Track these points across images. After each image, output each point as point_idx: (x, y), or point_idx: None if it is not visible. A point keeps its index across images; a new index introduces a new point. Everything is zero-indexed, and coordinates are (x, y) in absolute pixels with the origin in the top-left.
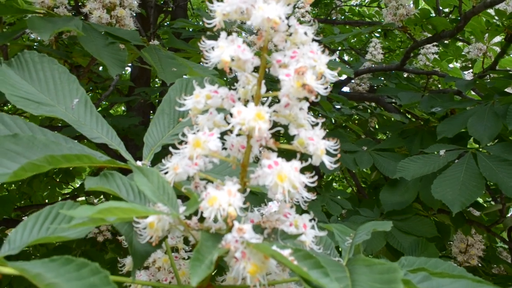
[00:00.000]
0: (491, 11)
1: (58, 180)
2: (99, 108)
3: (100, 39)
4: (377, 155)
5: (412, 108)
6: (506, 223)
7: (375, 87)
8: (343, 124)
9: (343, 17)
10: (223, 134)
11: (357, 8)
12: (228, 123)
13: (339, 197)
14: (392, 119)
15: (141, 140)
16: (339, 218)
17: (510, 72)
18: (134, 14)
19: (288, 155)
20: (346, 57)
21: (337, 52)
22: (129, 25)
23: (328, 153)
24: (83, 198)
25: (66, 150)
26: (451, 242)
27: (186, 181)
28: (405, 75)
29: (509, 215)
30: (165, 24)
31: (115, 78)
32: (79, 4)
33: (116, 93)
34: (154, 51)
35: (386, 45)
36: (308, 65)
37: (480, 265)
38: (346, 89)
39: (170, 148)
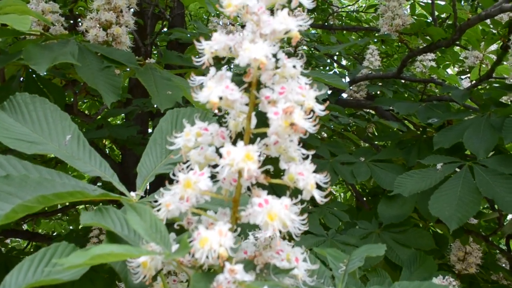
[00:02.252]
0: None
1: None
2: (99, 117)
3: (96, 63)
4: (375, 166)
5: (410, 115)
6: (504, 231)
7: (373, 94)
8: (341, 130)
9: (340, 22)
10: (215, 165)
11: (354, 13)
12: (220, 155)
13: (335, 208)
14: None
15: (140, 150)
16: (336, 232)
17: (506, 81)
18: (130, 29)
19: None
20: (344, 62)
21: (335, 57)
22: (126, 43)
23: (318, 187)
24: (82, 206)
25: (59, 186)
26: (449, 250)
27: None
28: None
29: (506, 222)
30: (163, 31)
31: None
32: (77, 19)
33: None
34: (149, 72)
35: (383, 50)
36: (296, 101)
37: (478, 271)
38: (344, 94)
39: (167, 183)
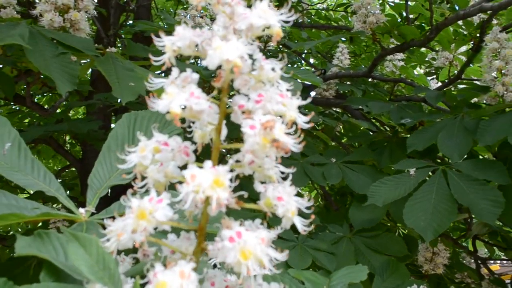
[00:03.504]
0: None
1: (12, 185)
2: (58, 110)
3: (50, 49)
4: (346, 168)
5: (380, 115)
6: (471, 232)
7: (342, 93)
8: (313, 130)
9: (309, 21)
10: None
11: (323, 11)
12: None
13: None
14: (361, 128)
15: (101, 146)
16: (307, 236)
17: (476, 83)
18: (91, 16)
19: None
20: (312, 60)
21: (303, 55)
22: (85, 29)
23: (300, 213)
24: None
25: None
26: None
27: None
28: (370, 79)
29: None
30: (127, 24)
31: None
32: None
33: (75, 94)
34: (110, 61)
35: (351, 49)
36: (276, 112)
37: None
38: (312, 93)
39: (128, 194)
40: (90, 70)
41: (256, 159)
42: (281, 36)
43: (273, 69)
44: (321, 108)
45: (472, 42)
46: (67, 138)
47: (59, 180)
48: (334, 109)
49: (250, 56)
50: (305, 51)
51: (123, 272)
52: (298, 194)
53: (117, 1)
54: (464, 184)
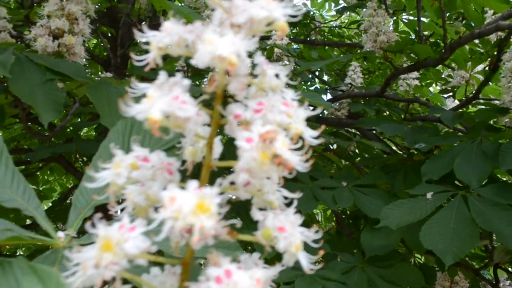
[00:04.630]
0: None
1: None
2: (68, 130)
3: (36, 75)
4: (358, 192)
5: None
6: (494, 260)
7: (354, 112)
8: (322, 151)
9: (322, 38)
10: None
11: (336, 29)
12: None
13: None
14: (375, 148)
15: None
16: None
17: (495, 103)
18: (86, 39)
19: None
20: (325, 77)
21: (316, 73)
22: (80, 54)
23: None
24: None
25: None
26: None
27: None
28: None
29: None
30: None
31: (75, 105)
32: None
33: (89, 114)
34: (102, 87)
35: (365, 67)
36: (279, 123)
37: None
38: (324, 111)
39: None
40: None
41: (253, 179)
42: (286, 32)
43: (277, 76)
44: (333, 128)
45: (489, 60)
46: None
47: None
48: (346, 129)
49: (250, 55)
50: (318, 69)
51: None
52: (305, 224)
53: (126, 21)
54: (487, 209)
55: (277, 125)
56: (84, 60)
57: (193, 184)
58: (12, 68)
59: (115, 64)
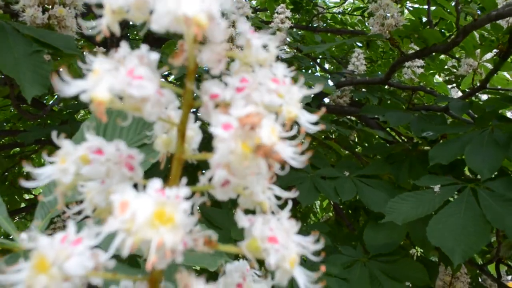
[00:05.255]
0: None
1: (17, 187)
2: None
3: (22, 46)
4: (361, 183)
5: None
6: (501, 255)
7: (357, 100)
8: (322, 138)
9: (325, 25)
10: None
11: (339, 16)
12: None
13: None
14: (376, 136)
15: None
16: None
17: (504, 93)
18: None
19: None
20: (326, 65)
21: (318, 60)
22: (71, 27)
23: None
24: None
25: None
26: None
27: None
28: (387, 86)
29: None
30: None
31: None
32: None
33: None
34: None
35: (367, 55)
36: (267, 105)
37: None
38: (326, 99)
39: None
40: None
41: (233, 177)
42: None
43: (265, 47)
44: (334, 116)
45: (499, 47)
46: None
47: None
48: (348, 117)
49: (232, 24)
50: (320, 56)
51: None
52: (304, 216)
53: None
54: (498, 205)
55: (264, 107)
56: (76, 34)
57: (155, 184)
58: None
59: (111, 45)
